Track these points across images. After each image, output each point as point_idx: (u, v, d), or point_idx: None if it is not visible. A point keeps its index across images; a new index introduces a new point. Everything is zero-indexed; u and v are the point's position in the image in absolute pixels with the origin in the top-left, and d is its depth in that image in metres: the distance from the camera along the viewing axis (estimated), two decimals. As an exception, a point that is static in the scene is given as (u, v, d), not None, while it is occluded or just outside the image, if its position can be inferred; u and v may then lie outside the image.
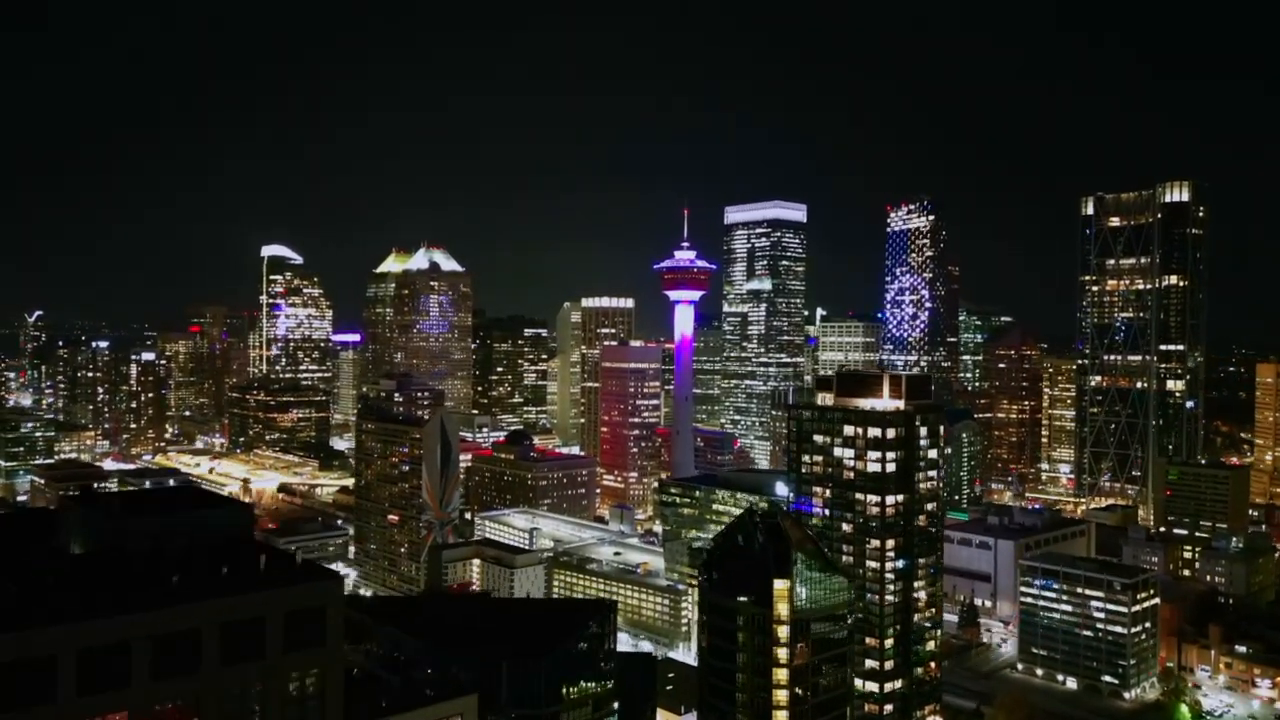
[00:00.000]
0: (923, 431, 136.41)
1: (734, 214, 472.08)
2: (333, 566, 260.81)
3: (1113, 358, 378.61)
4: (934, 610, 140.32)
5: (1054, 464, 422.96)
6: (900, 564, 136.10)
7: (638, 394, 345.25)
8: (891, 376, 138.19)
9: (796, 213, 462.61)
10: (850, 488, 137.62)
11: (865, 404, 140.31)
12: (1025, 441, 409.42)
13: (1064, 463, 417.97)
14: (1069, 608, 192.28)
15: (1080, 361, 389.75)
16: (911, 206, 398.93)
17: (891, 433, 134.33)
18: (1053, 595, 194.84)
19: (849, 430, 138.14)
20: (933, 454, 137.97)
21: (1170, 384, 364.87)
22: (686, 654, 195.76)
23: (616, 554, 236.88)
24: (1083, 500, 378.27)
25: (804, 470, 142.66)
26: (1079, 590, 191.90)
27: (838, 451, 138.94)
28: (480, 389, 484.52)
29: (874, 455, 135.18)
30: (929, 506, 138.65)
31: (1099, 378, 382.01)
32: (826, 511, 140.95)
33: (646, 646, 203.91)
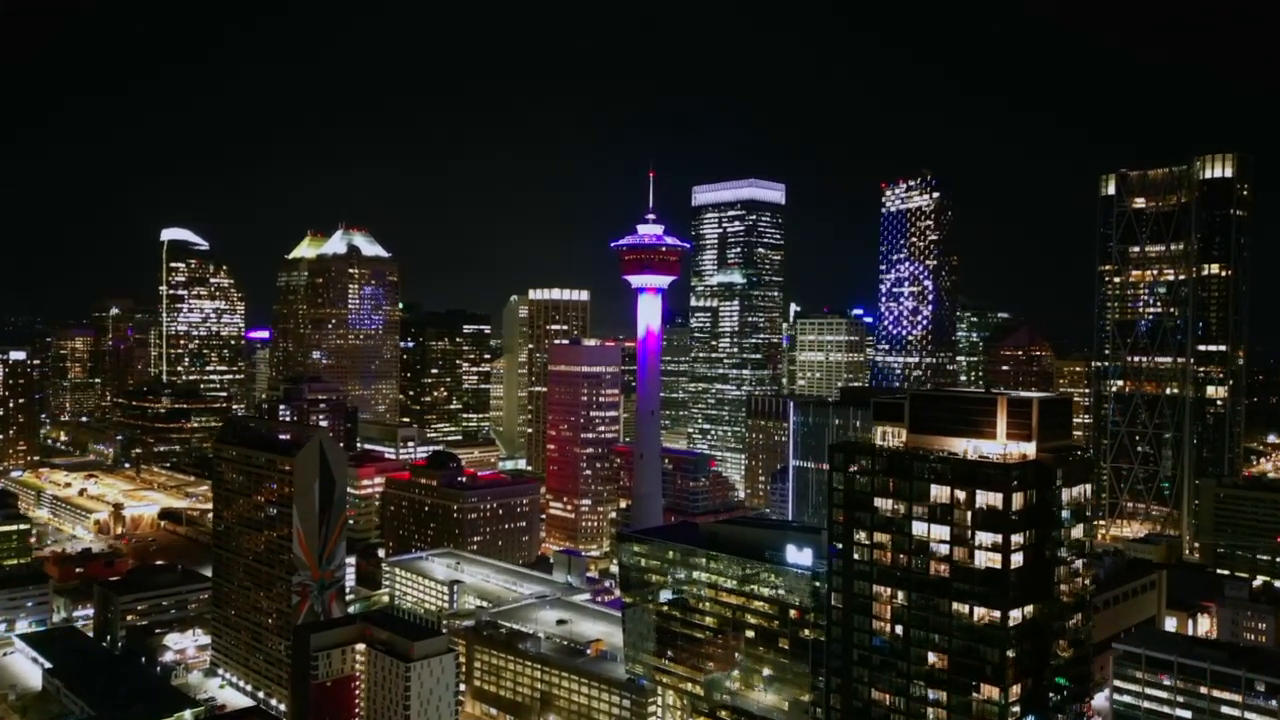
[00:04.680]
0: (1065, 496, 78.95)
1: (703, 194, 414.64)
2: (188, 634, 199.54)
3: (1138, 359, 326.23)
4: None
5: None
6: (1029, 724, 78.62)
7: (592, 403, 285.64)
8: (1011, 402, 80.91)
9: (774, 193, 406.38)
10: (942, 591, 79.79)
11: (964, 446, 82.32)
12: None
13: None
14: (1188, 714, 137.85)
15: (1098, 364, 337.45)
16: (911, 183, 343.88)
17: (1018, 499, 76.70)
18: (1164, 696, 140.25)
19: (939, 494, 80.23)
20: (1079, 532, 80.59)
21: (1210, 390, 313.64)
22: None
23: (561, 622, 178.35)
24: (1102, 523, 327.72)
25: (857, 557, 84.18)
26: (1203, 690, 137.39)
27: (919, 529, 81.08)
28: (412, 394, 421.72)
29: (986, 538, 77.50)
30: (1073, 622, 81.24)
31: (1120, 382, 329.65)
32: (898, 629, 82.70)
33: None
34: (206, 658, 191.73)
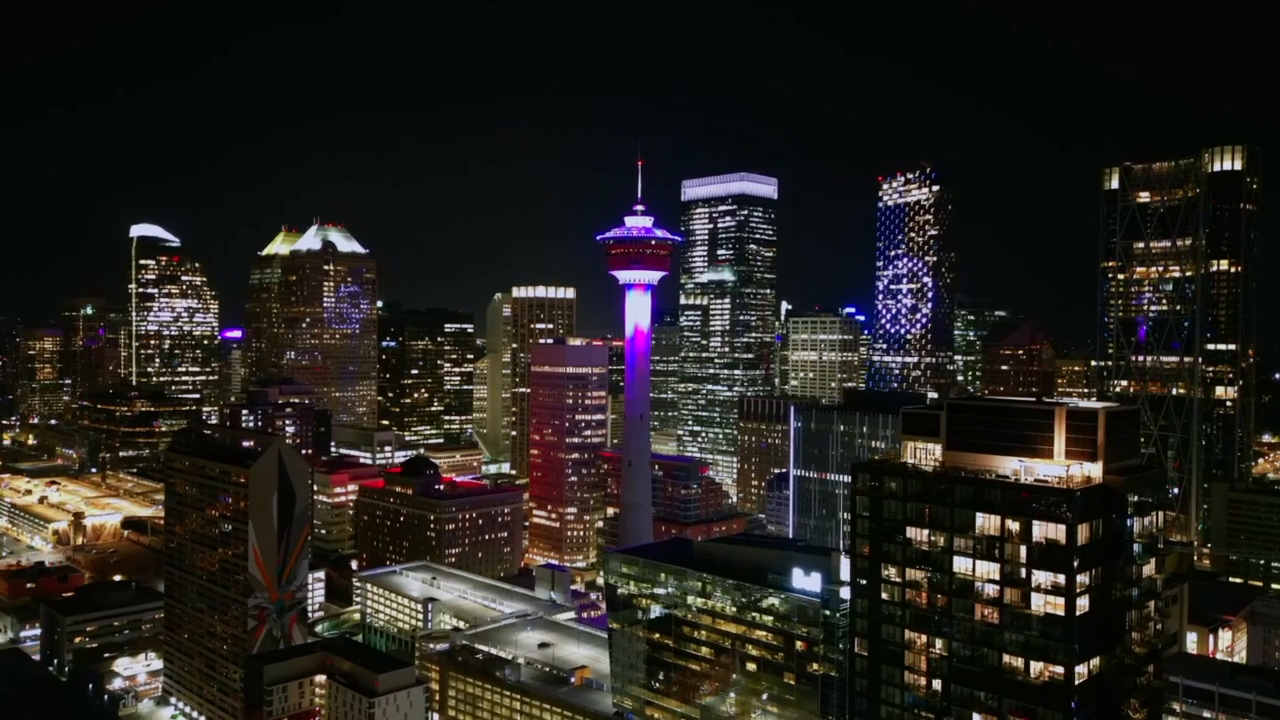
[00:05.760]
0: (1137, 526, 65.68)
1: (693, 189, 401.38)
2: (139, 659, 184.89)
3: (1142, 359, 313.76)
4: None
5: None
6: (1096, 799, 65.17)
7: (577, 407, 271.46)
8: (1071, 414, 67.76)
9: (766, 187, 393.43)
10: (990, 640, 66.26)
11: (1014, 466, 68.91)
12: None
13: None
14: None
15: (1101, 363, 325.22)
16: (909, 176, 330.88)
17: (1083, 531, 63.20)
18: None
19: (985, 523, 66.73)
20: (1151, 568, 67.30)
21: (1219, 390, 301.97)
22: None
23: (543, 645, 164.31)
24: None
25: (886, 597, 70.69)
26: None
27: (961, 565, 67.59)
28: (391, 395, 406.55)
29: (1045, 578, 64.11)
30: (1145, 677, 67.90)
31: (1124, 382, 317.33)
32: (936, 684, 69.20)
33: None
34: (159, 685, 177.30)
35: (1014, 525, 67.36)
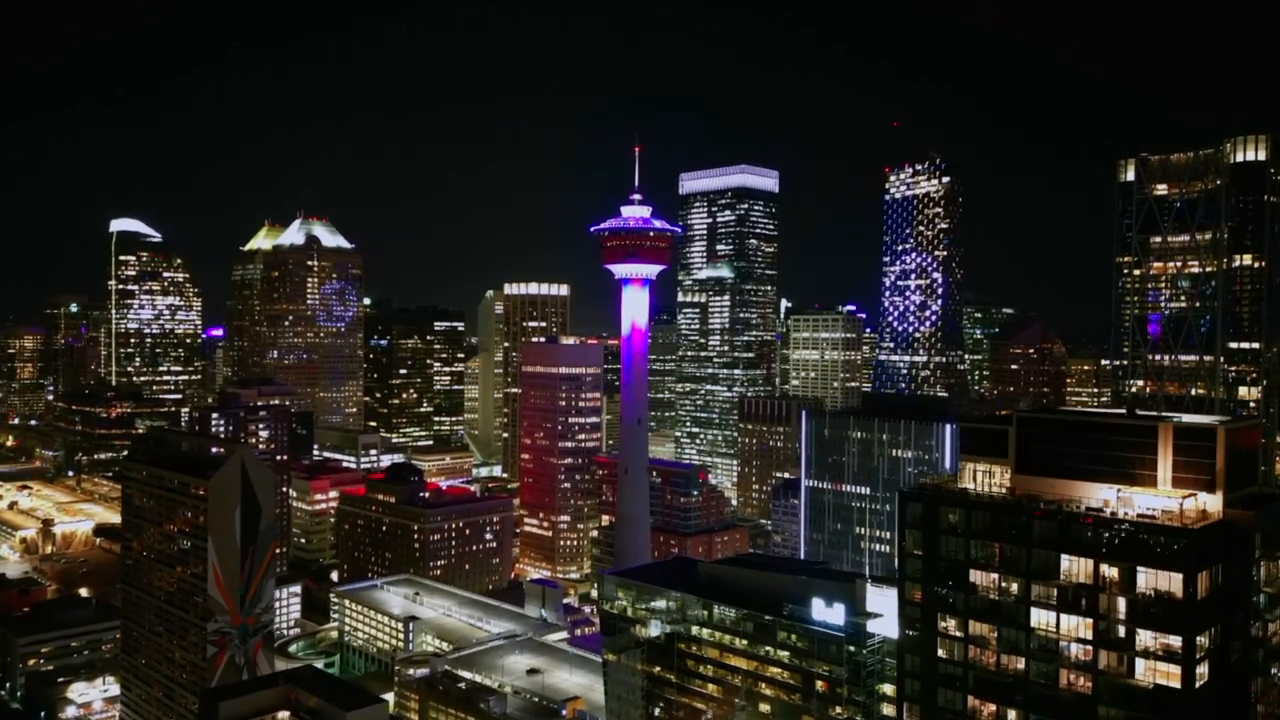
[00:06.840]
0: (1264, 572, 52.05)
1: (691, 182, 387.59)
2: (96, 684, 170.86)
3: (1160, 358, 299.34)
4: None
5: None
6: None
7: (571, 409, 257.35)
8: (1180, 431, 54.25)
9: (767, 180, 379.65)
10: (1079, 715, 52.45)
11: (1104, 495, 55.12)
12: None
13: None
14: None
15: (1116, 362, 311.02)
16: (918, 167, 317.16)
17: (1202, 581, 49.44)
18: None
19: (1073, 568, 53.09)
20: (1278, 625, 53.48)
21: (1243, 391, 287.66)
22: None
23: (532, 671, 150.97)
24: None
25: (943, 654, 56.94)
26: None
27: (1041, 619, 53.77)
28: (379, 396, 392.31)
29: (1153, 639, 50.28)
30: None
31: (1141, 382, 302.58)
32: (1010, 765, 55.33)
33: None
34: (115, 713, 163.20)
35: (1112, 571, 53.86)
